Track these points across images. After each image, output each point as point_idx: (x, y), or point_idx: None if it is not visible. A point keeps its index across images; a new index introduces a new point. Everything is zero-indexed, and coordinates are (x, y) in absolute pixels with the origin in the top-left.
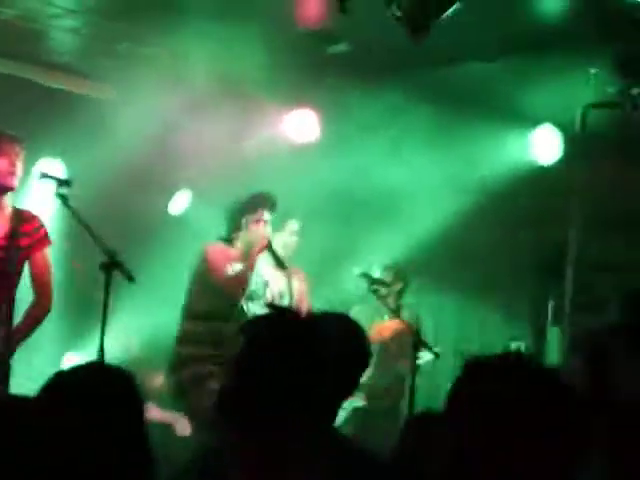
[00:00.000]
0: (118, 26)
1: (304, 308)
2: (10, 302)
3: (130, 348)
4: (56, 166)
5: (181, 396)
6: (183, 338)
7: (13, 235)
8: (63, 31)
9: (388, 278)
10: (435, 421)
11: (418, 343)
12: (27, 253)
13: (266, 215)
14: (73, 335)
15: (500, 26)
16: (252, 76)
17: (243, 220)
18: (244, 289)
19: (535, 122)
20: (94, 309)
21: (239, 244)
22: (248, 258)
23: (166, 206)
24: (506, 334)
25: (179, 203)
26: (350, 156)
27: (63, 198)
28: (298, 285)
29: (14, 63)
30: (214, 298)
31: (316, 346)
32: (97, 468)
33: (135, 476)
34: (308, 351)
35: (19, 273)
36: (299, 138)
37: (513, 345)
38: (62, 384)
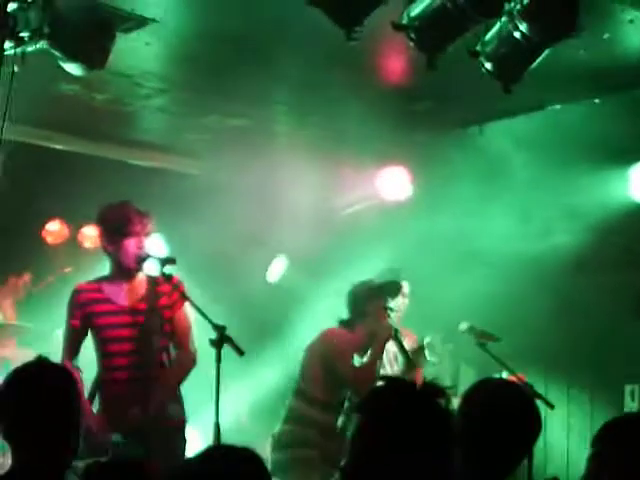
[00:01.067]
0: (205, 99)
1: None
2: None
3: (240, 419)
4: (157, 243)
5: (282, 474)
6: (295, 418)
7: (151, 297)
8: (152, 111)
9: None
10: None
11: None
12: (169, 312)
13: (391, 302)
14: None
15: (591, 65)
16: (341, 138)
17: (369, 306)
18: (374, 382)
19: (633, 160)
20: (205, 383)
21: (362, 331)
22: (376, 349)
23: (264, 274)
24: (618, 376)
25: (276, 270)
26: (444, 211)
27: (168, 277)
28: (411, 344)
29: (107, 145)
30: (337, 388)
31: (438, 415)
32: None
33: None
34: (431, 421)
35: (166, 333)
36: (391, 196)
37: (628, 388)
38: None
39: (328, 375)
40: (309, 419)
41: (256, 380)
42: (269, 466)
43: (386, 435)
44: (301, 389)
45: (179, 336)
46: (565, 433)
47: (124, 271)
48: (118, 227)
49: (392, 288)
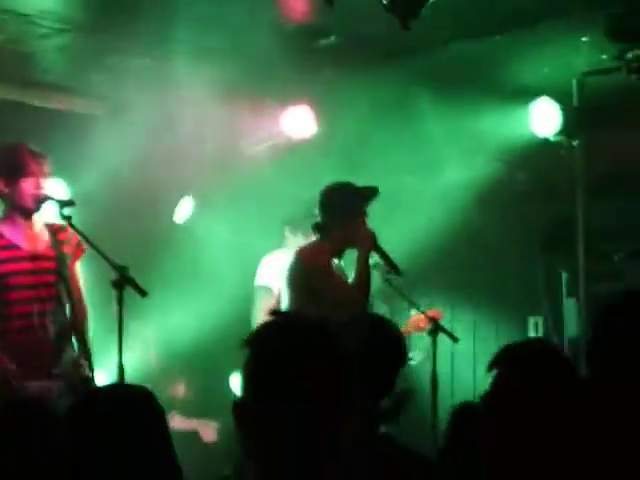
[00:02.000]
0: (105, 40)
1: None
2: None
3: (150, 360)
4: (57, 186)
5: None
6: None
7: (55, 244)
8: (51, 50)
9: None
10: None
11: (437, 329)
12: (70, 262)
13: (367, 209)
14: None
15: (486, 2)
16: (246, 76)
17: (346, 209)
18: (368, 293)
19: (533, 95)
20: (111, 326)
21: (338, 237)
22: (362, 260)
23: (171, 215)
24: (523, 309)
25: (183, 211)
26: (351, 150)
27: (67, 218)
28: None
29: (5, 86)
30: (322, 305)
31: (325, 344)
32: None
33: None
34: (319, 350)
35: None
36: (297, 135)
37: (532, 320)
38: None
39: (310, 298)
40: None
41: (164, 323)
42: None
43: (274, 376)
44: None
45: (77, 287)
46: (471, 366)
47: (22, 213)
48: (14, 168)
49: (372, 192)
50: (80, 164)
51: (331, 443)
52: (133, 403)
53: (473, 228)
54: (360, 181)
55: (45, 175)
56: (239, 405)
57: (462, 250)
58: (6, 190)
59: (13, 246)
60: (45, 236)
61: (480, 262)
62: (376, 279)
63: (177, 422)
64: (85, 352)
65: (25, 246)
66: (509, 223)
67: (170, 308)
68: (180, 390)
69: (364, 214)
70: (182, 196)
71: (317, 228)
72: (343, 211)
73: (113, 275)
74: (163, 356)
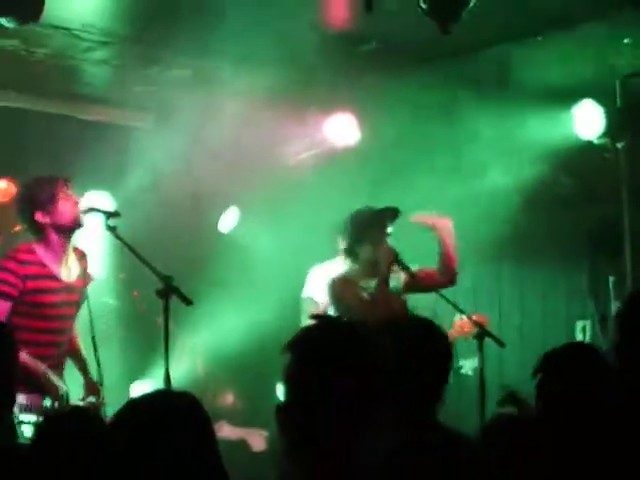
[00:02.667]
0: (147, 51)
1: None
2: None
3: (197, 370)
4: (102, 198)
5: None
6: None
7: (83, 274)
8: (95, 63)
9: None
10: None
11: (483, 334)
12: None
13: (390, 229)
14: (139, 364)
15: (528, 4)
16: (287, 85)
17: (369, 232)
18: (387, 309)
19: (576, 98)
20: (158, 336)
21: (361, 260)
22: (382, 275)
23: (216, 225)
24: (570, 312)
25: (228, 220)
26: (394, 155)
27: (112, 229)
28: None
29: (50, 100)
30: None
31: (370, 349)
32: None
33: None
34: (357, 351)
35: None
36: (340, 143)
37: (579, 324)
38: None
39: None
40: None
41: (211, 332)
42: None
43: (315, 377)
44: None
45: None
46: (520, 371)
47: (62, 234)
48: (48, 199)
49: (390, 213)
50: (124, 175)
51: (370, 441)
52: (175, 409)
53: (519, 232)
54: (402, 187)
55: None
56: (281, 409)
57: (508, 254)
58: (46, 219)
59: (53, 277)
60: (76, 265)
61: (526, 266)
62: None
63: (225, 431)
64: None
65: (62, 276)
66: (555, 226)
67: (216, 317)
68: (228, 399)
69: (386, 236)
70: (227, 206)
71: (347, 253)
72: (367, 237)
73: (159, 285)
74: (210, 365)
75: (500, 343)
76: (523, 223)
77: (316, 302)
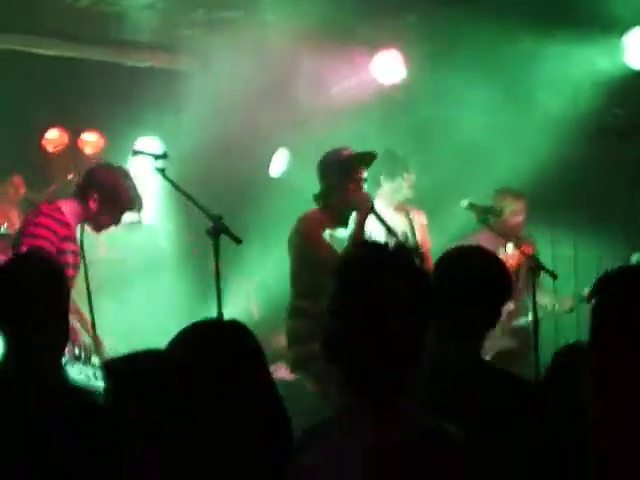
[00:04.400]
0: None
1: (427, 246)
2: None
3: (251, 312)
4: (152, 143)
5: (302, 370)
6: (293, 313)
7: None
8: (140, 9)
9: (500, 204)
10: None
11: (536, 267)
12: None
13: (364, 174)
14: (194, 308)
15: None
16: (334, 23)
17: (344, 181)
18: None
19: (627, 26)
20: (210, 282)
21: (338, 204)
22: (357, 224)
23: (266, 168)
24: (626, 244)
25: (278, 163)
26: (442, 91)
27: (161, 172)
28: (419, 221)
29: (97, 48)
30: (316, 274)
31: (417, 276)
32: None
33: (270, 428)
34: (411, 282)
35: None
36: (386, 81)
37: (635, 256)
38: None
39: (305, 264)
40: (304, 311)
41: (265, 276)
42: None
43: (364, 303)
44: (291, 283)
45: None
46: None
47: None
48: (112, 202)
49: (365, 157)
50: (173, 120)
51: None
52: (222, 335)
53: (573, 164)
54: (450, 124)
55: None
56: (328, 340)
57: (562, 186)
58: (94, 207)
59: (73, 240)
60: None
61: (581, 198)
62: (472, 220)
63: (282, 373)
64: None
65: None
66: (609, 158)
67: (269, 259)
68: (284, 341)
69: (359, 179)
70: (276, 148)
71: (316, 198)
72: (337, 178)
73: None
74: (265, 307)
75: (553, 275)
76: (576, 155)
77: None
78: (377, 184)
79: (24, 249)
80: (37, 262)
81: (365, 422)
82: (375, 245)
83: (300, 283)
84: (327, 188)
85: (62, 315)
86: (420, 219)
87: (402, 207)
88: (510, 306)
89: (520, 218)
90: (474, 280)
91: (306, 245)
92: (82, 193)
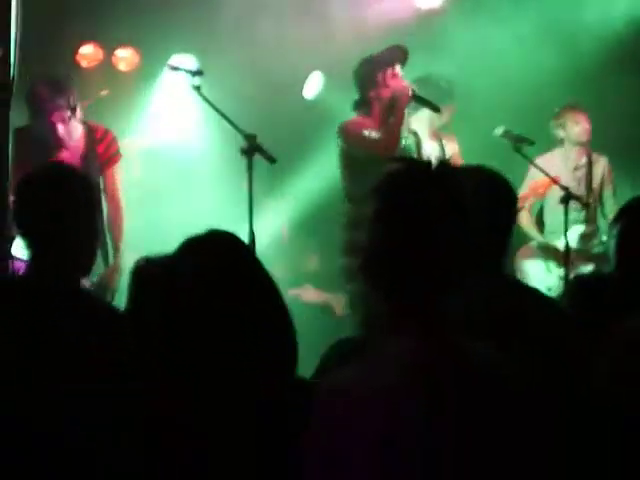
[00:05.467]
0: None
1: None
2: None
3: (281, 233)
4: (187, 59)
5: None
6: (349, 223)
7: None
8: None
9: (561, 120)
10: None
11: (568, 196)
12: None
13: (399, 69)
14: (225, 227)
15: None
16: None
17: (379, 77)
18: (398, 141)
19: None
20: (241, 200)
21: (378, 107)
22: (397, 114)
23: (300, 89)
24: None
25: (312, 86)
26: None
27: (196, 88)
28: (452, 149)
29: None
30: (368, 168)
31: (454, 196)
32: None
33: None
34: (449, 200)
35: None
36: (425, 4)
37: None
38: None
39: (353, 165)
40: (361, 218)
41: (296, 197)
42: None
43: (402, 223)
44: (344, 191)
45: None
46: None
47: None
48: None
49: (397, 52)
50: (209, 39)
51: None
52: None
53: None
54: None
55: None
56: (367, 255)
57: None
58: None
59: None
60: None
61: (614, 117)
62: (507, 147)
63: (310, 294)
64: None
65: None
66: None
67: (300, 181)
68: (312, 263)
69: (395, 74)
70: (309, 70)
71: (355, 105)
72: (372, 76)
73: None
74: (296, 230)
75: (586, 204)
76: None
77: None
78: (416, 107)
79: None
80: (71, 172)
81: (405, 344)
82: (415, 160)
83: (355, 188)
84: (364, 90)
85: (93, 229)
86: (452, 146)
87: (436, 134)
88: (582, 229)
89: (585, 126)
90: None
91: (347, 144)
92: None
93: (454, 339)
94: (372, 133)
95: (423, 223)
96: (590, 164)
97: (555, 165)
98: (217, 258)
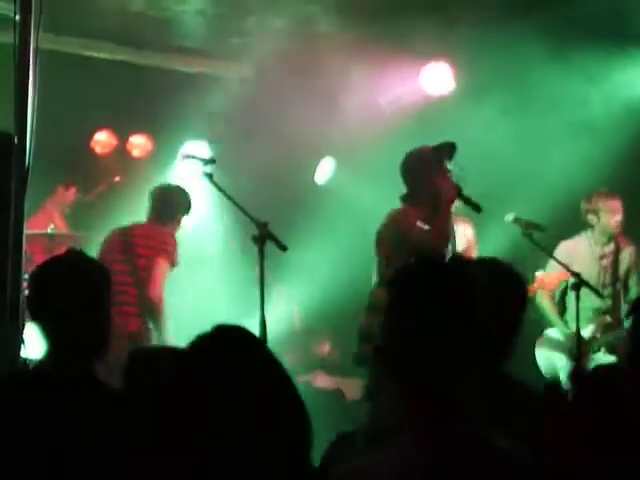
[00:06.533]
0: (244, 3)
1: (473, 256)
2: None
3: (293, 319)
4: (200, 147)
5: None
6: (376, 307)
7: None
8: (191, 15)
9: (595, 206)
10: None
11: (579, 284)
12: None
13: (448, 165)
14: (236, 313)
15: None
16: (383, 35)
17: (428, 174)
18: (447, 240)
19: None
20: (254, 287)
21: (426, 199)
22: (444, 210)
23: (312, 176)
24: None
25: (324, 172)
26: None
27: (209, 176)
28: (463, 236)
29: (147, 53)
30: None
31: (467, 291)
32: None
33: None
34: (460, 297)
35: None
36: (436, 92)
37: None
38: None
39: (399, 251)
40: None
41: (308, 282)
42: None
43: (414, 314)
44: (379, 277)
45: None
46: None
47: None
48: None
49: (448, 149)
50: (221, 126)
51: (465, 375)
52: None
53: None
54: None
55: None
56: (380, 349)
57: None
58: None
59: None
60: None
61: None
62: (516, 234)
63: (321, 380)
64: None
65: None
66: None
67: (312, 267)
68: (324, 348)
69: (444, 171)
70: (323, 156)
71: (403, 198)
72: (423, 172)
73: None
74: (307, 315)
75: (598, 293)
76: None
77: None
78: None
79: None
80: (76, 261)
81: (416, 438)
82: (429, 258)
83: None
84: (414, 184)
85: (101, 315)
86: (466, 231)
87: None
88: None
89: (618, 217)
90: None
91: (398, 231)
92: None
93: (466, 435)
94: (425, 225)
95: (433, 317)
96: (617, 252)
97: (580, 252)
98: (226, 356)
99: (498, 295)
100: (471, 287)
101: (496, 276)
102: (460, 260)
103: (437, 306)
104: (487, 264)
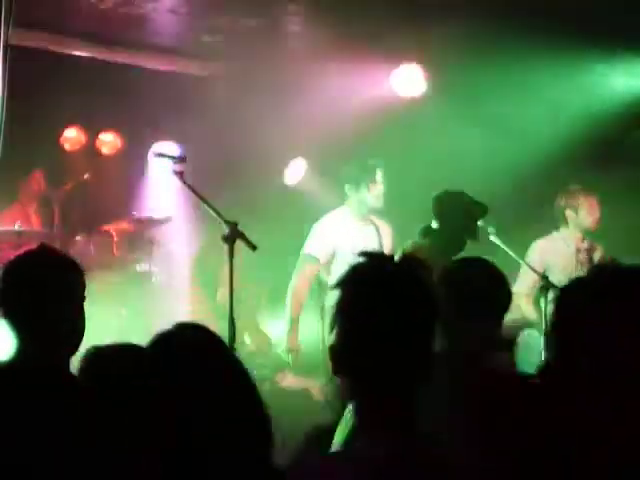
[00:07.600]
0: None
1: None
2: None
3: (261, 316)
4: (170, 146)
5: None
6: None
7: None
8: (163, 13)
9: (574, 203)
10: None
11: (548, 286)
12: None
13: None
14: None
15: None
16: (355, 36)
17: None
18: None
19: None
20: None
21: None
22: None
23: (282, 176)
24: None
25: (294, 173)
26: (462, 107)
27: (179, 174)
28: (386, 237)
29: (118, 50)
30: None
31: (419, 289)
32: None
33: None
34: (412, 295)
35: None
36: (406, 94)
37: None
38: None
39: None
40: None
41: (276, 283)
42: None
43: (365, 315)
44: None
45: None
46: None
47: None
48: None
49: (481, 211)
50: (191, 125)
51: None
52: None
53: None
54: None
55: None
56: (333, 347)
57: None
58: None
59: None
60: None
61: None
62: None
63: (289, 380)
64: None
65: None
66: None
67: (280, 267)
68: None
69: (475, 227)
70: (293, 158)
71: (425, 231)
72: (458, 222)
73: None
74: (274, 316)
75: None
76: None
77: (315, 258)
78: (344, 194)
79: None
80: (47, 256)
81: (370, 437)
82: (379, 256)
83: None
84: (441, 229)
85: (74, 309)
86: (386, 231)
87: (368, 219)
88: None
89: (597, 215)
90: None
91: None
92: None
93: (415, 438)
94: None
95: (385, 317)
96: (591, 250)
97: (557, 249)
98: (187, 353)
99: (488, 293)
100: (423, 285)
101: (486, 274)
102: (410, 259)
103: (388, 305)
104: (474, 263)
